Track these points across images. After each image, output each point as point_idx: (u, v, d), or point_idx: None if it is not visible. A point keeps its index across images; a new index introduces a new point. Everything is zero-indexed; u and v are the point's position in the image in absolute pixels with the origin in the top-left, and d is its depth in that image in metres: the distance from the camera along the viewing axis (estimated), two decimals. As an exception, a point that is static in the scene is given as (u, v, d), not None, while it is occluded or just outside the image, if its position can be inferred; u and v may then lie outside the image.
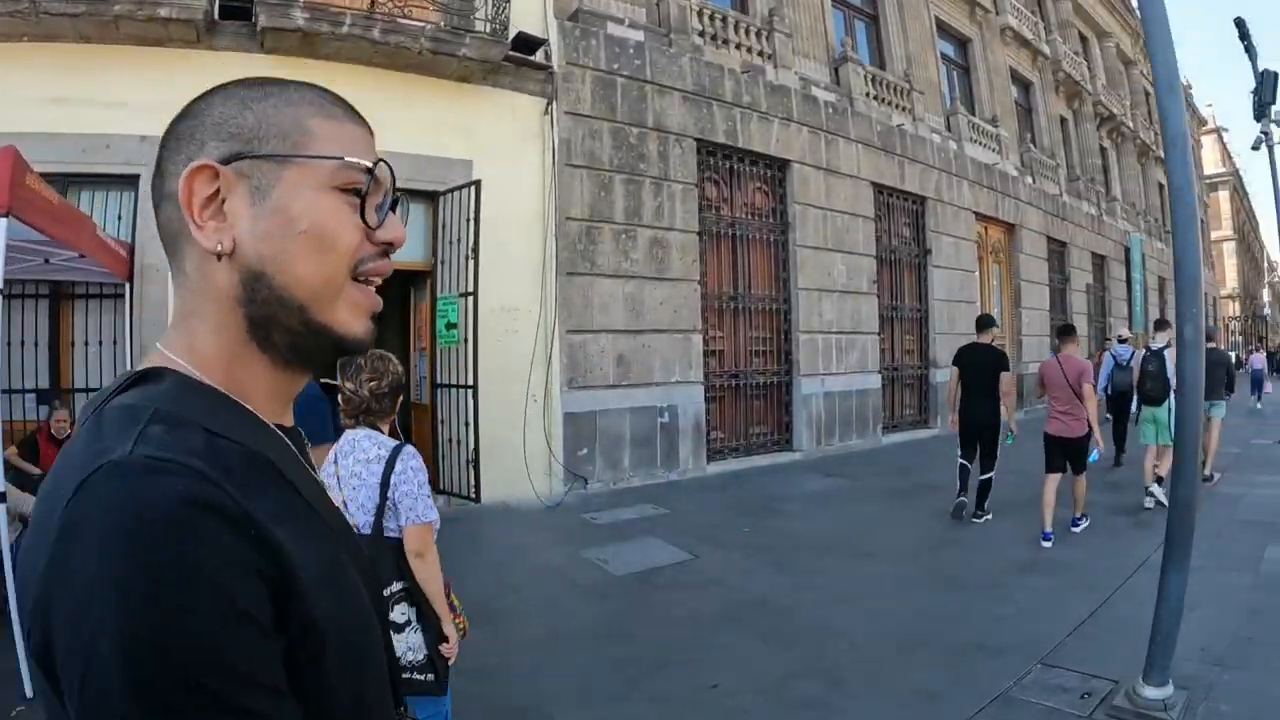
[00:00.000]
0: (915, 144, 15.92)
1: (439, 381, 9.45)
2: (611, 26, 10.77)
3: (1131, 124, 29.29)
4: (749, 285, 12.81)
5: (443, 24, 8.79)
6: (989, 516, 8.12)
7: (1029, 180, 20.22)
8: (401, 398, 2.93)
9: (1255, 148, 15.23)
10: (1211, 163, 50.14)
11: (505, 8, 9.10)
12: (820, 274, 13.62)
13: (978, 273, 18.08)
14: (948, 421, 9.73)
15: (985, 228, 18.36)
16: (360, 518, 2.65)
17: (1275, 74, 15.77)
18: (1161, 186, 33.30)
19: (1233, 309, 58.60)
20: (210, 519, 0.60)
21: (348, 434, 2.82)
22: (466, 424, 8.70)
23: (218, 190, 0.75)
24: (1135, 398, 9.83)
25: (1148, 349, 9.17)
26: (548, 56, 10.00)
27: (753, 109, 12.46)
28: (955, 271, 16.63)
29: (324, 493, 0.85)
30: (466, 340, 8.67)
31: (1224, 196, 53.28)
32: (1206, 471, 9.39)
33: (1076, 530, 7.54)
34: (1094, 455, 7.57)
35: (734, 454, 12.21)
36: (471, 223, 8.55)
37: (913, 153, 15.78)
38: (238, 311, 0.77)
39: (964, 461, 8.44)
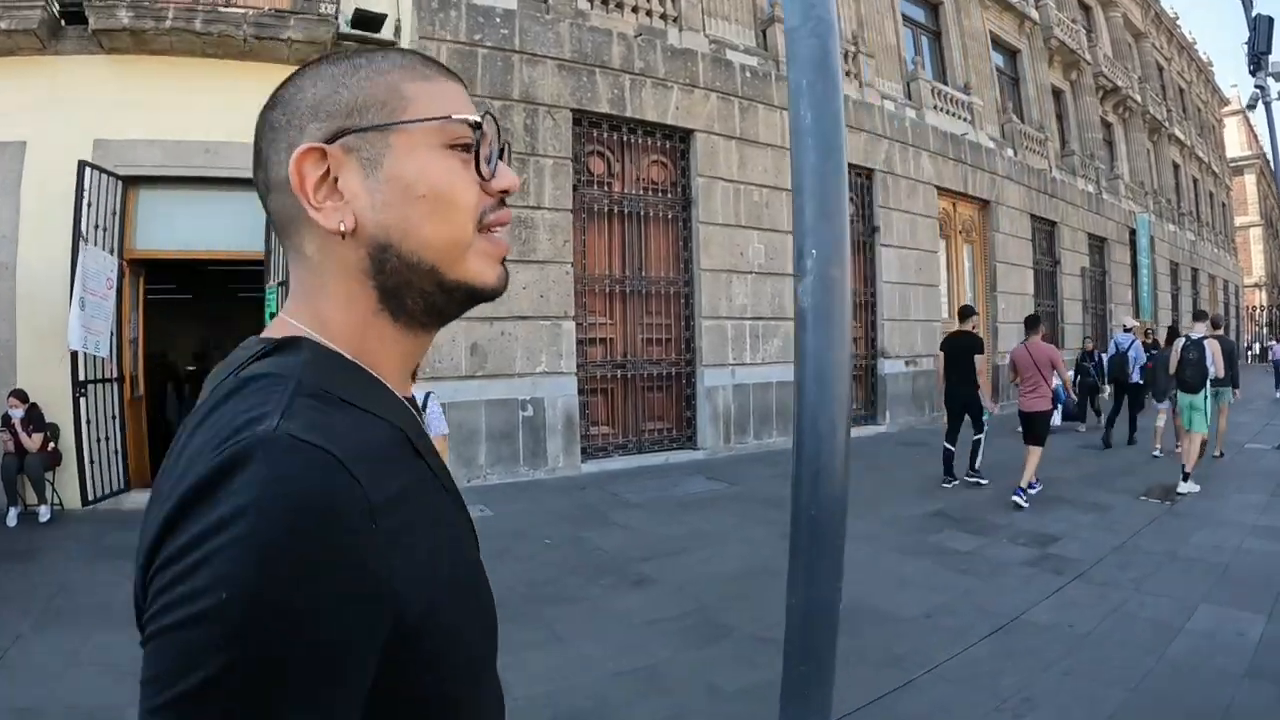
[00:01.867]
0: (860, 111, 13.79)
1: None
2: None
3: (1140, 98, 26.49)
4: (643, 267, 11.11)
5: (269, 8, 8.33)
6: (985, 482, 8.79)
7: (1009, 153, 17.81)
8: None
9: (1251, 106, 12.79)
10: (1236, 145, 46.19)
11: None
12: (730, 254, 11.75)
13: (942, 253, 15.81)
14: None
15: (953, 204, 16.06)
16: None
17: (1270, 19, 13.39)
18: (1177, 166, 30.61)
19: (1259, 298, 54.10)
20: (345, 511, 0.58)
21: None
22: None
23: (328, 170, 0.73)
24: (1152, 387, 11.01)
25: (1186, 338, 9.19)
26: (398, 32, 9.11)
27: (646, 75, 10.95)
28: (910, 251, 14.40)
29: (439, 457, 0.77)
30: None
31: (1250, 180, 48.99)
32: (1216, 451, 10.36)
33: (1017, 500, 7.85)
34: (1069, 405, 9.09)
35: (620, 451, 10.67)
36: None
37: (856, 120, 13.63)
38: (367, 284, 0.74)
39: (948, 445, 9.14)
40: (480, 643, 0.74)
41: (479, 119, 0.77)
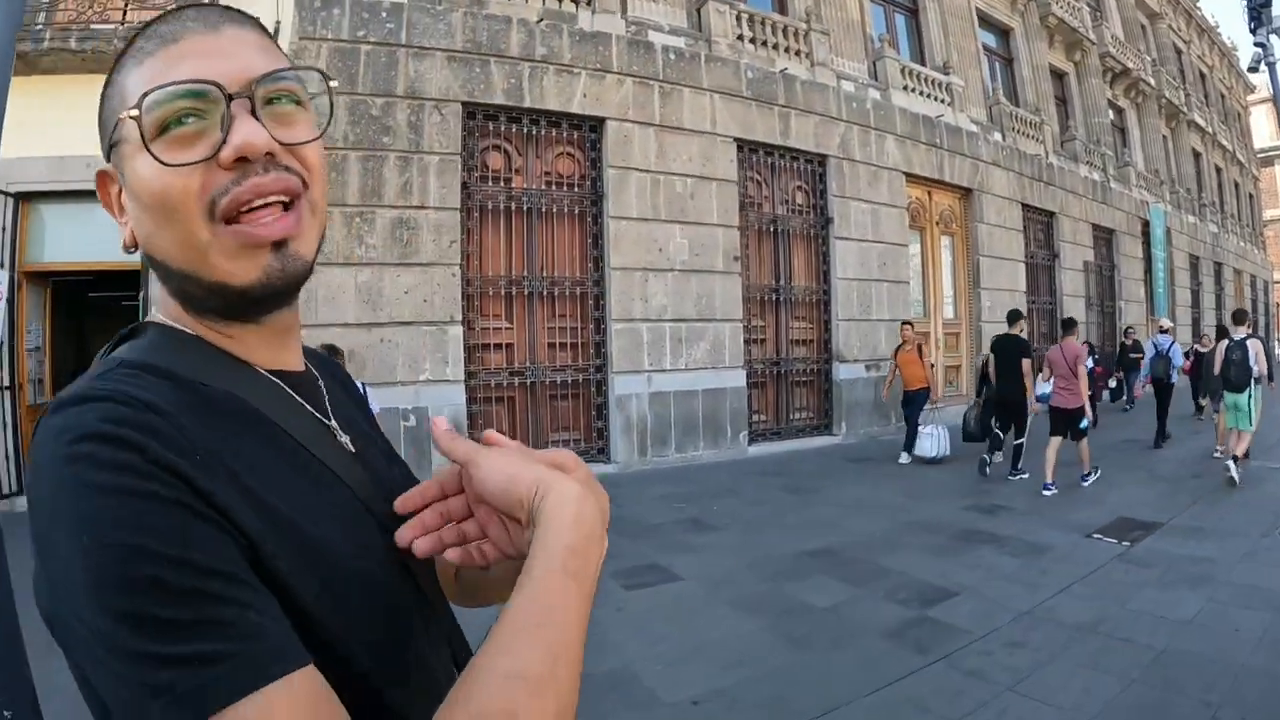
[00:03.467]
0: (810, 92, 12.14)
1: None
2: None
3: (1154, 82, 24.22)
4: (546, 266, 9.81)
5: (138, 21, 8.12)
6: (1025, 475, 8.82)
7: (996, 137, 15.87)
8: None
9: (1253, 68, 10.92)
10: (1264, 135, 42.79)
11: None
12: (647, 250, 10.29)
13: (915, 246, 13.98)
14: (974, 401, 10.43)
15: (927, 192, 14.21)
16: None
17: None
18: (1197, 154, 28.20)
19: None
20: (136, 438, 0.56)
21: None
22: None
23: (119, 188, 0.71)
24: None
25: (1229, 339, 9.22)
26: (277, 34, 8.01)
27: (549, 62, 9.87)
28: (872, 245, 12.60)
29: (328, 435, 0.77)
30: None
31: (1278, 171, 45.62)
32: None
33: (1085, 484, 8.38)
34: (1084, 423, 8.42)
35: None
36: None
37: (805, 102, 12.01)
38: (168, 287, 0.72)
39: (999, 431, 9.39)
40: (354, 594, 0.67)
41: (134, 109, 0.65)
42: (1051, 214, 17.32)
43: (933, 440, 10.00)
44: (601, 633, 4.36)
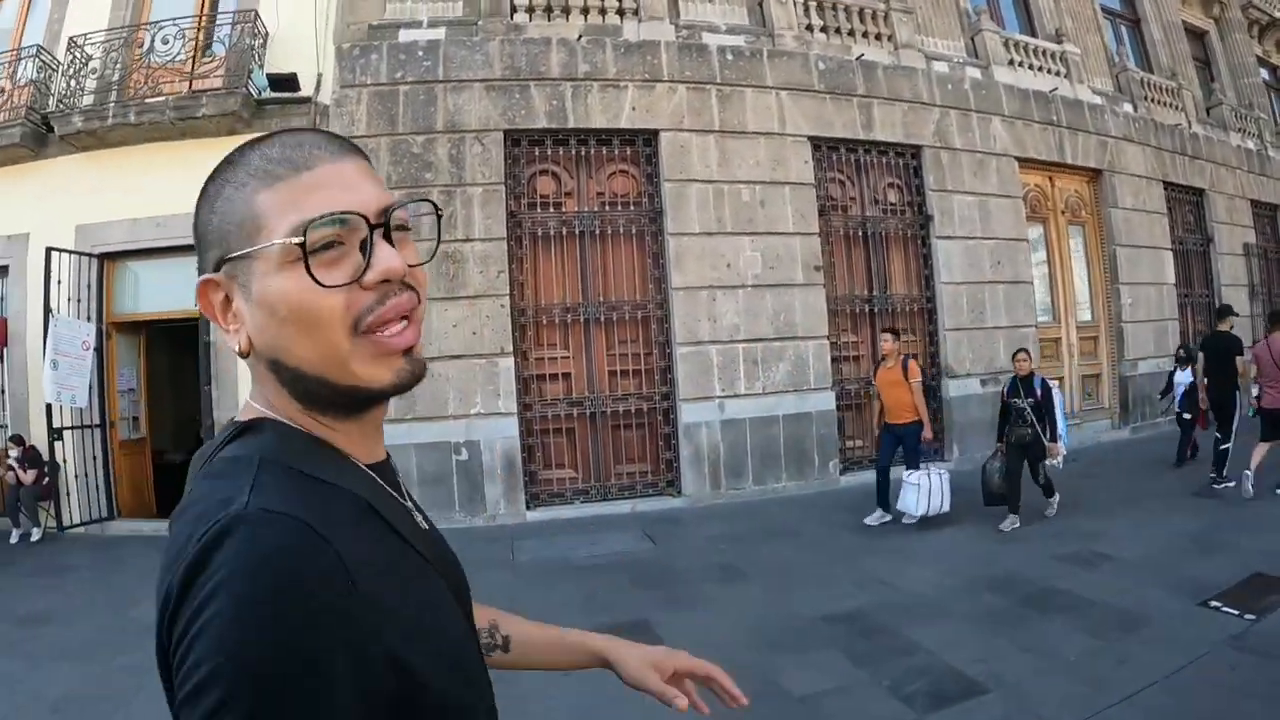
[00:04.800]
0: (895, 78, 10.71)
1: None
2: (404, 34, 9.10)
3: (1314, 32, 21.10)
4: (604, 290, 9.10)
5: (187, 91, 8.92)
6: (1231, 483, 7.93)
7: (1126, 108, 13.74)
8: None
9: None
10: None
11: (250, 57, 8.95)
12: (713, 266, 9.27)
13: (1040, 239, 12.13)
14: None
15: (1048, 177, 12.33)
16: None
17: None
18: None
19: None
20: (320, 571, 0.61)
21: None
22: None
23: (225, 295, 0.75)
24: None
25: None
26: (319, 86, 9.01)
27: (593, 79, 9.29)
28: (982, 242, 10.89)
29: (414, 521, 0.82)
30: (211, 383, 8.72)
31: None
32: None
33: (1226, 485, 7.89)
34: None
35: (582, 498, 9.00)
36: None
37: (890, 90, 10.60)
38: (283, 388, 0.76)
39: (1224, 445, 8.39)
40: (474, 707, 0.75)
41: (333, 213, 0.72)
42: (1201, 192, 14.90)
43: (920, 492, 7.26)
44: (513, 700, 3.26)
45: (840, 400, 9.72)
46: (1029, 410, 7.26)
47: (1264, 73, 19.67)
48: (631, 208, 9.34)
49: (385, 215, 0.75)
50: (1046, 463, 7.30)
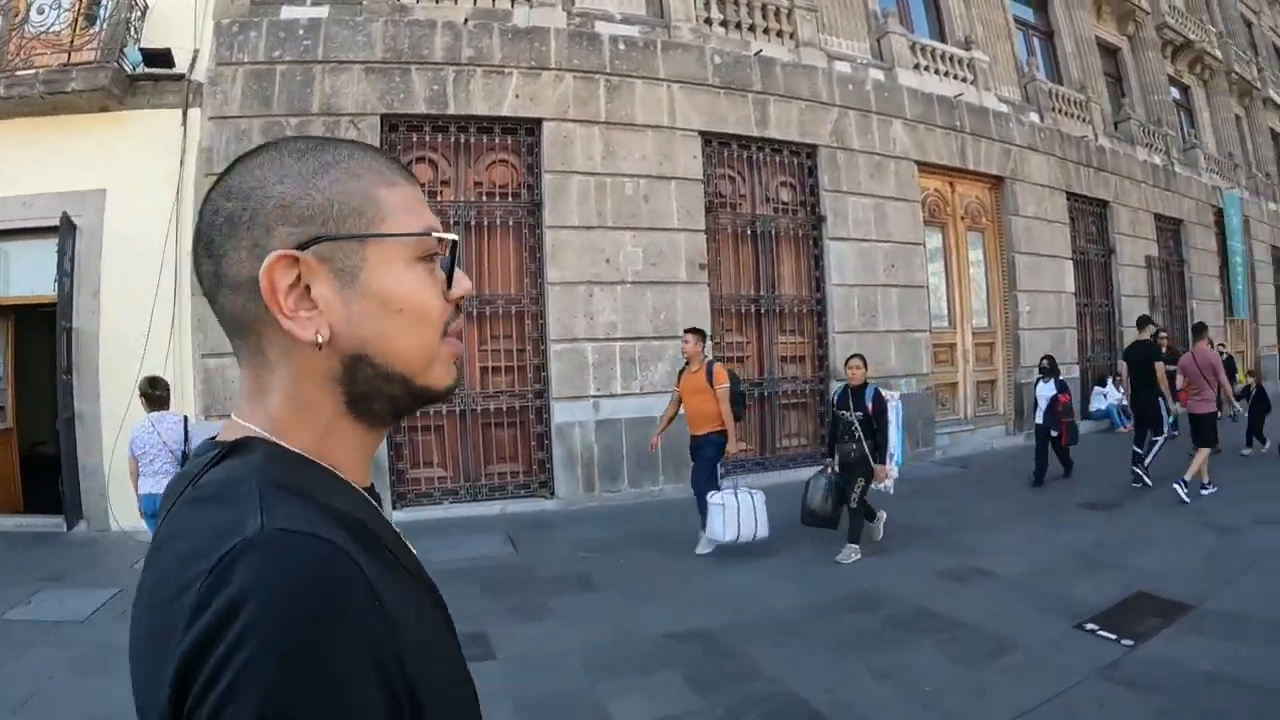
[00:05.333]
0: (794, 76, 10.49)
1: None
2: (286, 10, 8.61)
3: (1221, 56, 21.55)
4: (480, 284, 8.69)
5: (58, 65, 8.27)
6: (1150, 484, 8.33)
7: (1033, 118, 13.75)
8: None
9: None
10: None
11: (126, 30, 8.39)
12: (591, 261, 8.94)
13: (936, 245, 12.03)
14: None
15: (949, 182, 12.25)
16: None
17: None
18: (1276, 135, 25.18)
19: None
20: (355, 595, 0.58)
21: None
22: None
23: (299, 277, 0.69)
24: None
25: None
26: (195, 62, 8.44)
27: (477, 64, 8.87)
28: (877, 244, 10.73)
29: (404, 544, 0.78)
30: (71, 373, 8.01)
31: None
32: None
33: (1205, 493, 7.95)
34: (1235, 416, 9.24)
35: (452, 499, 8.60)
36: (68, 258, 7.96)
37: (788, 87, 10.38)
38: (336, 389, 0.72)
39: (1138, 449, 8.72)
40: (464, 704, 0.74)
41: (453, 238, 0.78)
42: (1105, 203, 15.03)
43: (726, 514, 6.26)
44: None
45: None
46: (857, 425, 6.47)
47: (1175, 92, 20.05)
48: (510, 199, 8.97)
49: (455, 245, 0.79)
50: (875, 486, 6.49)
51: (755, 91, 10.06)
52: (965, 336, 12.16)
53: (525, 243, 8.88)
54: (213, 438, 0.74)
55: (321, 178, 0.71)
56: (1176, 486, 7.70)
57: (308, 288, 0.69)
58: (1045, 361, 9.71)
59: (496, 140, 8.95)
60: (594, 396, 8.68)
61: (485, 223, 8.76)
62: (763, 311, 9.89)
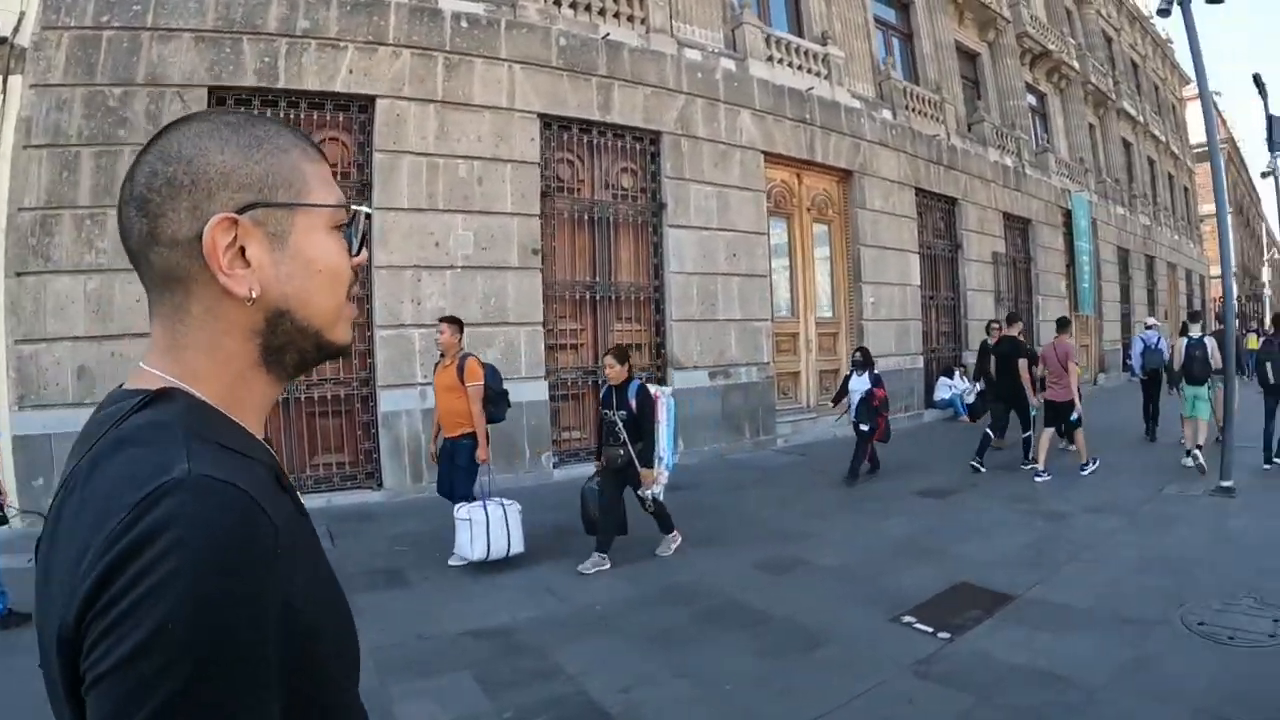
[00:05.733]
0: (641, 61, 10.49)
1: None
2: None
3: (1079, 66, 22.67)
4: None
5: None
6: (1049, 477, 8.72)
7: (885, 115, 14.16)
8: None
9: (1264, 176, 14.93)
10: (1200, 131, 41.28)
11: None
12: (420, 245, 8.71)
13: (783, 235, 12.20)
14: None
15: (796, 174, 12.48)
16: None
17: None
18: (1128, 144, 26.78)
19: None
20: (266, 547, 0.64)
21: None
22: None
23: (235, 238, 0.77)
24: (1166, 377, 11.05)
25: (1189, 338, 9.67)
26: (19, 26, 7.60)
27: (312, 36, 8.37)
28: (718, 233, 10.88)
29: (297, 494, 0.82)
30: None
31: (1221, 167, 44.16)
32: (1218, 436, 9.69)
33: (1085, 473, 8.85)
34: (1074, 415, 9.06)
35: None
36: None
37: (635, 73, 10.38)
38: (253, 342, 0.80)
39: (990, 432, 9.70)
40: (352, 649, 0.81)
41: (367, 210, 0.89)
42: (954, 200, 15.66)
43: (476, 530, 5.71)
44: None
45: (555, 390, 9.39)
46: (621, 425, 5.85)
47: (1031, 98, 20.98)
48: (339, 179, 8.40)
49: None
50: (642, 492, 5.93)
51: (600, 75, 9.98)
52: (809, 326, 12.45)
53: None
54: (121, 385, 0.79)
55: (258, 150, 0.79)
56: (1059, 472, 8.73)
57: (242, 249, 0.76)
58: (858, 354, 9.43)
59: (328, 117, 8.57)
60: (422, 384, 8.43)
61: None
62: (599, 299, 9.88)
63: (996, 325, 11.41)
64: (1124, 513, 7.23)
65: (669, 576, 5.65)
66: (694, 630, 4.63)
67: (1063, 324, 9.78)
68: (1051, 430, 8.94)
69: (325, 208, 0.82)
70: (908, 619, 4.68)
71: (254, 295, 0.76)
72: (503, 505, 5.82)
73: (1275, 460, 9.02)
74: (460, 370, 5.91)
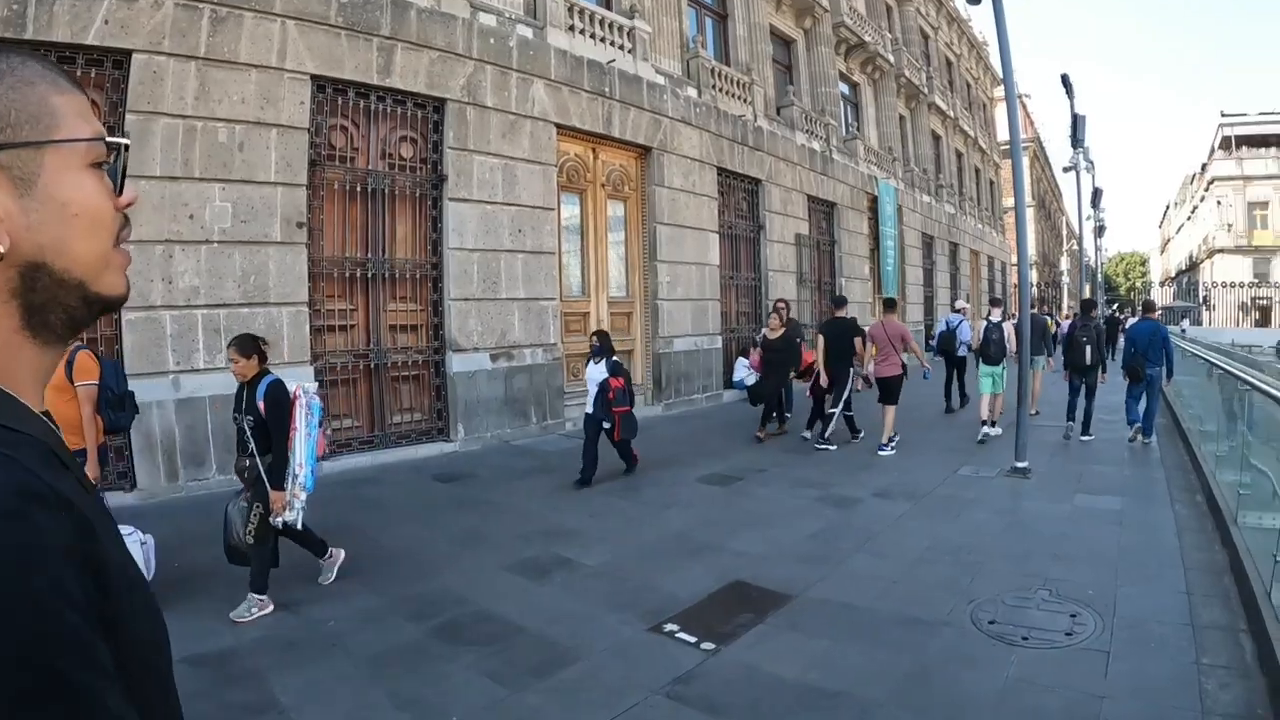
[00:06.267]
0: (430, 23, 10.06)
1: None
2: None
3: (893, 59, 23.72)
4: None
5: None
6: (833, 447, 9.75)
7: (690, 93, 14.29)
8: None
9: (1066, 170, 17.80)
10: (1006, 130, 44.75)
11: None
12: (172, 217, 7.95)
13: (575, 211, 12.10)
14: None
15: (592, 148, 12.41)
16: None
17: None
18: (938, 137, 28.50)
19: (1032, 276, 55.01)
20: (42, 506, 0.60)
21: None
22: None
23: None
24: (970, 358, 12.60)
25: (987, 321, 10.73)
26: None
27: None
28: (503, 208, 10.70)
29: (81, 469, 0.78)
30: None
31: (1023, 163, 48.12)
32: (1034, 410, 11.38)
33: (883, 453, 9.39)
34: (926, 374, 10.84)
35: None
36: None
37: (421, 35, 10.00)
38: (11, 304, 0.72)
39: (849, 414, 10.28)
40: (158, 643, 0.76)
41: (125, 141, 0.80)
42: (758, 181, 16.03)
43: None
44: None
45: (325, 375, 8.98)
46: (249, 432, 4.85)
47: (844, 87, 21.73)
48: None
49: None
50: (272, 518, 4.77)
51: (383, 36, 9.50)
52: (601, 306, 12.48)
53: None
54: None
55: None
56: (881, 451, 9.35)
57: None
58: (595, 338, 8.48)
59: (79, 73, 7.66)
60: (174, 372, 7.89)
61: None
62: (371, 276, 9.45)
63: (783, 305, 11.63)
64: (916, 497, 7.28)
65: (411, 585, 5.19)
66: (434, 648, 4.22)
67: (890, 304, 10.65)
68: (894, 407, 9.66)
69: (79, 142, 0.73)
70: (670, 627, 4.38)
71: (2, 249, 0.68)
72: (138, 536, 4.75)
73: (1083, 439, 10.01)
74: (69, 367, 4.72)
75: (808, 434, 10.26)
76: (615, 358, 8.33)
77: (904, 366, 9.93)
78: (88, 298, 0.74)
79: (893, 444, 9.47)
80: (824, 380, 9.98)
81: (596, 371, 8.17)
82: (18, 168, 0.70)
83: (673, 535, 6.22)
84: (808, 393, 10.57)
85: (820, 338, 10.23)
